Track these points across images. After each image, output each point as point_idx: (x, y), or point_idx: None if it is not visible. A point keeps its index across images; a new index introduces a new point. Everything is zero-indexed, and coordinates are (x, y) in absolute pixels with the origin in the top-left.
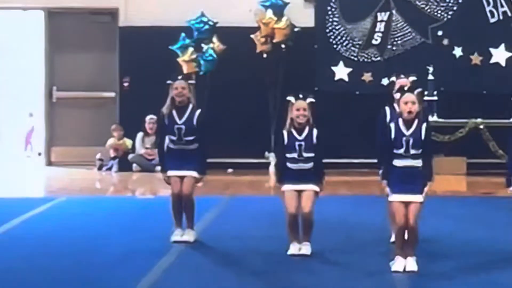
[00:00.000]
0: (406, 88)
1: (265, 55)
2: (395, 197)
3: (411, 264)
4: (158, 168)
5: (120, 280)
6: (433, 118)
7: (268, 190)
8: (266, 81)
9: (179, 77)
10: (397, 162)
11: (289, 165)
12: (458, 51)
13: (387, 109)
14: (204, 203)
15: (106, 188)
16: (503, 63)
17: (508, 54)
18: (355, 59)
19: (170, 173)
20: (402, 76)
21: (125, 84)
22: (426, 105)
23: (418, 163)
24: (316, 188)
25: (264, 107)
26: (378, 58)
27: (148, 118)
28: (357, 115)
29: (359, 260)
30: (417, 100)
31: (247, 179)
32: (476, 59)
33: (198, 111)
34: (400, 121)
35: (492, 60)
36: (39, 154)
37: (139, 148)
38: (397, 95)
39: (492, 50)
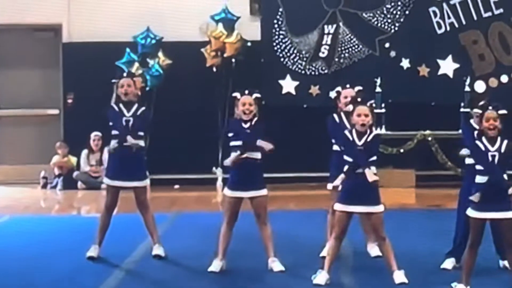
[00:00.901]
0: (359, 100)
1: (215, 69)
2: (342, 207)
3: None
4: (104, 185)
5: None
6: (381, 130)
7: (215, 205)
8: (215, 95)
9: (124, 74)
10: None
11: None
12: (405, 63)
13: (335, 115)
14: None
15: (50, 207)
16: (450, 75)
17: (456, 65)
18: (302, 72)
19: (112, 182)
20: (348, 86)
21: (69, 101)
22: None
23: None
24: (266, 192)
25: (212, 121)
26: (326, 71)
27: (93, 135)
28: (305, 128)
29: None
30: (369, 112)
31: (194, 195)
32: (423, 70)
33: (143, 108)
34: (353, 131)
35: (440, 72)
36: None
37: (84, 166)
38: (350, 107)
39: (439, 61)
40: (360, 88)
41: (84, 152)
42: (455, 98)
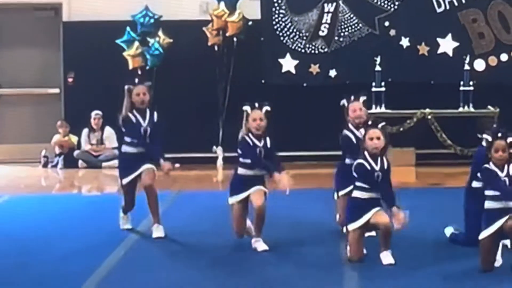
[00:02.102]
0: (370, 123)
1: (216, 48)
2: (356, 225)
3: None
4: (105, 164)
5: (67, 278)
6: (381, 109)
7: (216, 185)
8: (216, 74)
9: (136, 81)
10: (361, 194)
11: (243, 171)
12: (405, 42)
13: (348, 133)
14: None
15: (51, 186)
16: (450, 53)
17: (455, 44)
18: (302, 51)
19: (128, 179)
20: (352, 98)
21: (70, 80)
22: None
23: (379, 195)
24: (265, 189)
25: (213, 100)
26: (325, 50)
27: (93, 113)
28: (305, 107)
29: (310, 253)
30: (381, 134)
31: (195, 174)
32: (423, 49)
33: (155, 113)
34: (367, 155)
35: (440, 50)
36: None
37: (84, 145)
38: (362, 131)
39: (439, 40)
40: (365, 98)
41: (85, 131)
42: (455, 77)
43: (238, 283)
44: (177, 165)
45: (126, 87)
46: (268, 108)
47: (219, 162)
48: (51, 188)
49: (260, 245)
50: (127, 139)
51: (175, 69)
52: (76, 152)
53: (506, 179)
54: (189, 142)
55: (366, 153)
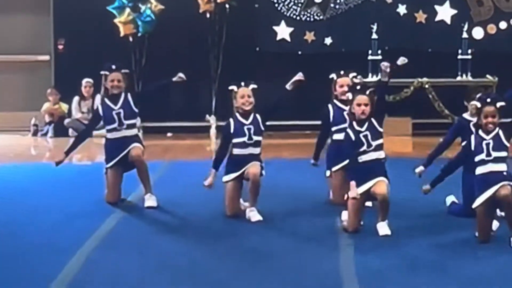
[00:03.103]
0: (358, 88)
1: (208, 15)
2: (360, 190)
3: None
4: (96, 132)
5: (58, 248)
6: (377, 78)
7: (209, 154)
8: (208, 42)
9: (114, 67)
10: (361, 157)
11: (237, 151)
12: (402, 9)
13: (330, 107)
14: None
15: (41, 154)
16: (448, 21)
17: (453, 11)
18: (297, 18)
19: (113, 162)
20: (342, 72)
21: (60, 47)
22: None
23: (381, 154)
24: (261, 164)
25: (206, 68)
26: (321, 17)
27: (84, 81)
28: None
29: (305, 224)
30: (369, 100)
31: (187, 143)
32: (420, 16)
33: (129, 95)
34: (354, 122)
35: (437, 18)
36: None
37: (75, 113)
38: (349, 95)
39: (437, 7)
40: (355, 74)
41: (76, 99)
42: (453, 45)
43: (231, 255)
44: (169, 134)
45: (102, 72)
46: (254, 86)
47: (212, 131)
48: (41, 157)
49: (254, 215)
50: (107, 127)
51: (166, 36)
52: (66, 121)
53: (491, 141)
54: (181, 111)
55: (352, 120)
